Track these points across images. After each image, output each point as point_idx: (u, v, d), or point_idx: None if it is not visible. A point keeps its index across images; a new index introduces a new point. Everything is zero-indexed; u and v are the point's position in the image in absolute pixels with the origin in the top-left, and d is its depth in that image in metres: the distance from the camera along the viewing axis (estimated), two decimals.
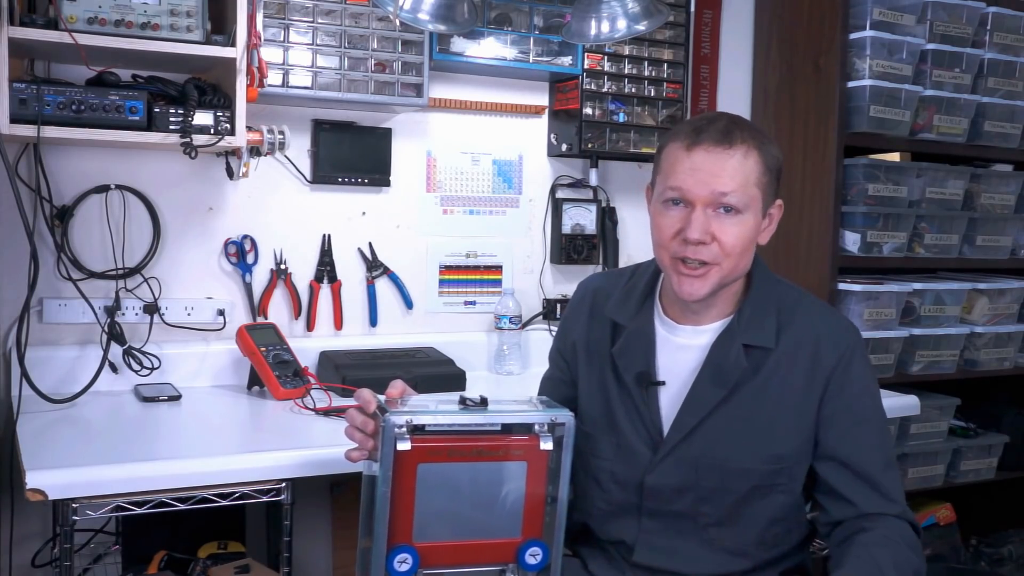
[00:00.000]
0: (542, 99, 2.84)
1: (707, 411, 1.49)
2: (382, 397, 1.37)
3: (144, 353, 2.32)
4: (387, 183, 2.63)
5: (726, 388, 1.48)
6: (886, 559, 1.37)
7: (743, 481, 1.48)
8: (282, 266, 2.52)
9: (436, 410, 1.30)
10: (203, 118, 2.10)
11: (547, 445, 1.33)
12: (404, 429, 1.26)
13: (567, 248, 2.84)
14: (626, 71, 2.80)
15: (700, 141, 1.42)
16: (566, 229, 2.84)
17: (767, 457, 1.48)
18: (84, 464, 1.69)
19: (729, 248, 1.42)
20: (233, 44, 2.10)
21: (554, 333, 2.64)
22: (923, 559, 1.44)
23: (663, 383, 1.53)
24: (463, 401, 1.33)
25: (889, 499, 1.46)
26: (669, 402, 1.53)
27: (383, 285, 2.67)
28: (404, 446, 1.26)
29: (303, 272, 2.56)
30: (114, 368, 2.29)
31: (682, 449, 1.50)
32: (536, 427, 1.33)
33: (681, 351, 1.54)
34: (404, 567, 1.30)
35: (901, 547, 1.40)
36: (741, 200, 1.42)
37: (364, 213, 2.62)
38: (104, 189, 2.31)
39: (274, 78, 2.28)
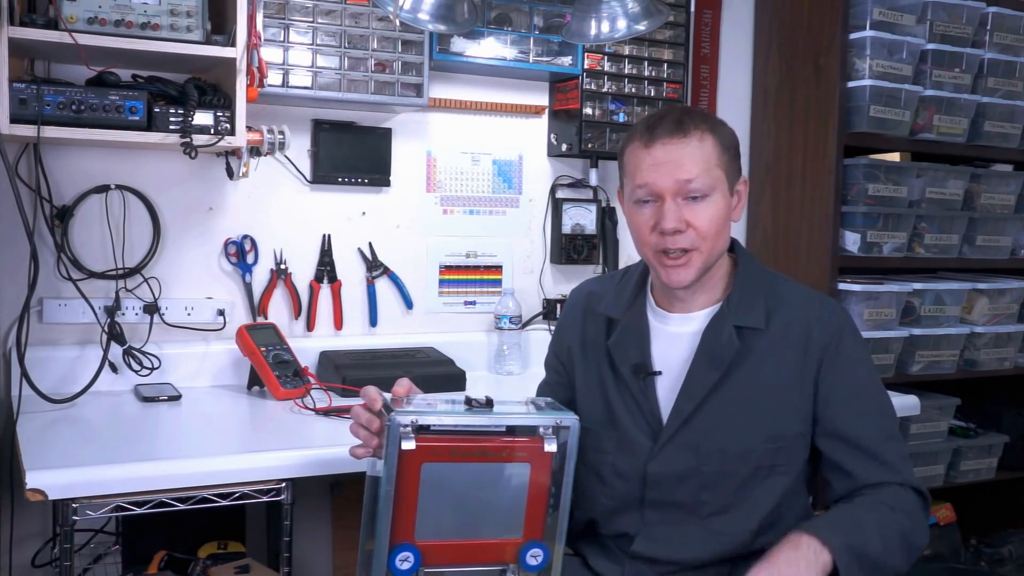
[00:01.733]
0: (542, 99, 2.84)
1: (704, 394, 1.51)
2: (388, 395, 1.38)
3: (144, 353, 2.32)
4: (387, 183, 2.63)
5: (720, 370, 1.51)
6: (868, 519, 1.40)
7: (744, 463, 1.50)
8: (282, 266, 2.52)
9: (441, 410, 1.30)
10: (203, 118, 2.10)
11: (551, 447, 1.33)
12: (409, 429, 1.26)
13: (567, 248, 2.84)
14: (626, 71, 2.81)
15: (656, 136, 1.47)
16: (566, 229, 2.84)
17: (766, 437, 1.50)
18: (84, 464, 1.69)
19: (704, 231, 1.48)
20: (233, 44, 2.10)
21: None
22: (920, 523, 1.45)
23: (659, 373, 1.56)
24: (468, 402, 1.33)
25: (891, 469, 1.48)
26: (666, 391, 1.55)
27: (383, 285, 2.67)
28: (409, 445, 1.26)
29: (303, 272, 2.56)
30: (114, 368, 2.29)
31: (682, 435, 1.52)
32: (541, 429, 1.33)
33: (674, 340, 1.57)
34: (406, 565, 1.31)
35: (890, 510, 1.42)
36: (706, 184, 1.47)
37: (364, 213, 2.62)
38: (104, 189, 2.31)
39: (274, 78, 2.28)
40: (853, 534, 1.37)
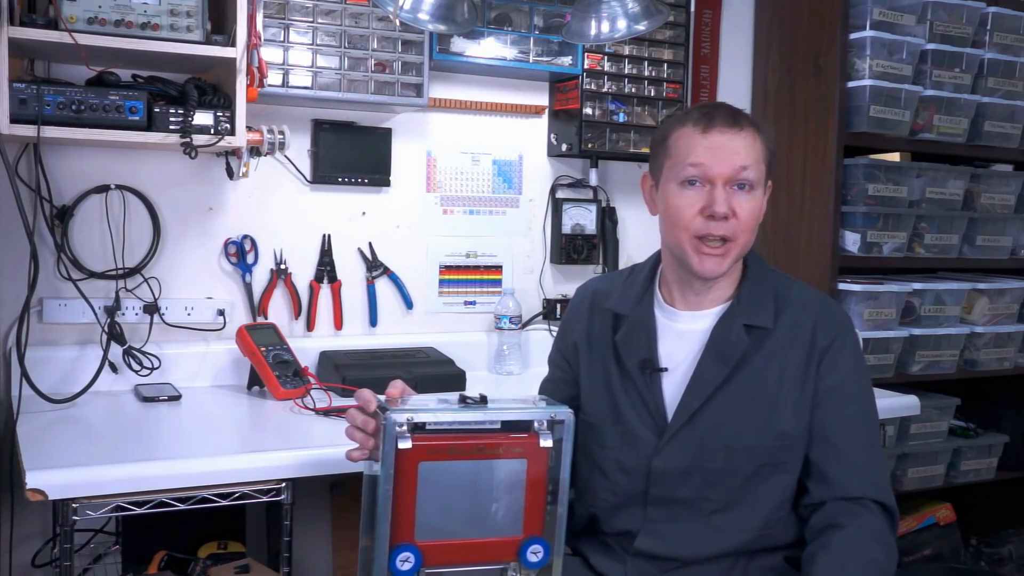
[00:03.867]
0: (542, 99, 2.84)
1: (711, 391, 1.52)
2: (382, 397, 1.38)
3: (144, 353, 2.32)
4: (387, 183, 2.63)
5: (729, 367, 1.52)
6: (854, 564, 1.39)
7: (748, 461, 1.51)
8: (282, 266, 2.52)
9: (436, 408, 1.30)
10: (203, 118, 2.10)
11: (547, 442, 1.33)
12: (405, 427, 1.26)
13: (567, 248, 2.84)
14: (626, 71, 2.81)
15: (714, 124, 1.49)
16: (566, 229, 2.84)
17: (771, 435, 1.51)
18: (84, 464, 1.69)
19: (746, 223, 1.50)
20: (233, 44, 2.10)
21: (554, 333, 2.64)
22: (892, 550, 1.46)
23: (666, 369, 1.56)
24: (463, 399, 1.33)
25: (868, 482, 1.49)
26: (672, 387, 1.56)
27: (383, 285, 2.67)
28: (405, 444, 1.25)
29: (303, 272, 2.56)
30: (114, 368, 2.29)
31: (687, 431, 1.52)
32: (536, 424, 1.33)
33: (682, 337, 1.58)
34: (406, 566, 1.30)
35: (870, 546, 1.42)
36: (756, 176, 1.50)
37: (364, 213, 2.62)
38: (104, 189, 2.32)
39: (274, 78, 2.29)
40: None
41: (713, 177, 1.48)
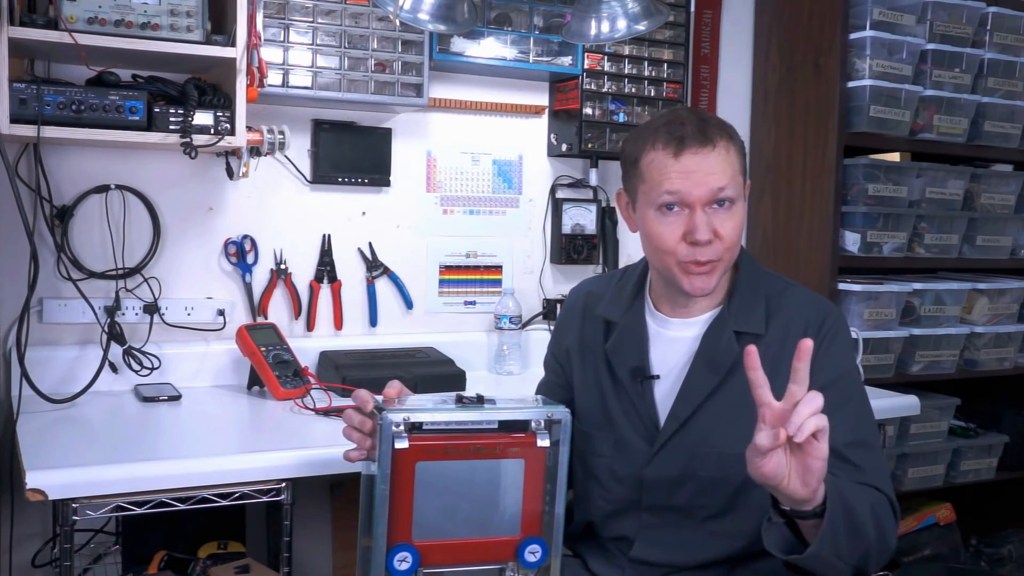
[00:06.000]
0: (542, 99, 2.84)
1: (701, 399, 1.51)
2: (379, 397, 1.38)
3: (144, 353, 2.32)
4: (387, 183, 2.63)
5: (719, 375, 1.50)
6: (860, 490, 1.35)
7: (740, 468, 1.47)
8: (282, 266, 2.52)
9: (433, 408, 1.30)
10: (203, 118, 2.10)
11: (544, 442, 1.33)
12: (401, 427, 1.26)
13: (567, 248, 2.84)
14: (626, 71, 2.81)
15: (685, 145, 1.44)
16: (566, 229, 2.84)
17: None
18: (84, 464, 1.69)
19: (730, 242, 1.47)
20: (233, 44, 2.10)
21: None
22: (891, 525, 1.40)
23: (657, 377, 1.55)
24: (460, 399, 1.34)
25: (862, 472, 1.42)
26: (663, 395, 1.55)
27: (383, 285, 2.67)
28: (402, 444, 1.26)
29: (303, 272, 2.56)
30: (114, 368, 2.29)
31: (678, 440, 1.51)
32: (533, 424, 1.33)
33: (673, 344, 1.56)
34: (404, 566, 1.30)
35: (870, 493, 1.38)
36: (735, 191, 1.46)
37: (364, 213, 2.63)
38: (104, 189, 2.32)
39: (274, 78, 2.29)
40: (847, 488, 1.33)
41: (692, 202, 1.44)
